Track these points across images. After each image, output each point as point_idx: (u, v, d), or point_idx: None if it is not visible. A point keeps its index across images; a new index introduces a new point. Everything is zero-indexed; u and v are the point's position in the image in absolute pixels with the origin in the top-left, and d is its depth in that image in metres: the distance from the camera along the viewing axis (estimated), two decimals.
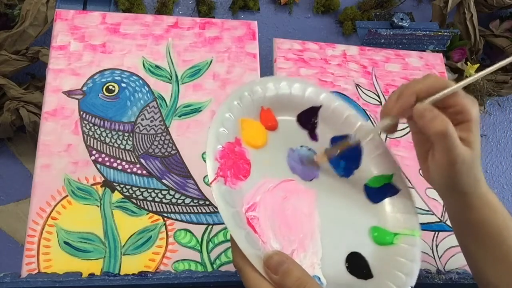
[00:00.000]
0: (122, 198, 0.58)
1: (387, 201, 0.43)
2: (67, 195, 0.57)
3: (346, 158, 0.44)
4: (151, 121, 0.63)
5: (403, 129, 0.72)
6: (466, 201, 0.38)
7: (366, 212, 0.42)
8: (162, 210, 0.58)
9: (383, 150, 0.44)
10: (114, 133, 0.61)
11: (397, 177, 0.43)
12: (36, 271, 0.53)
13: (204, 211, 0.59)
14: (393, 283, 0.37)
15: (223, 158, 0.35)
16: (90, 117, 0.61)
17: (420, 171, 0.42)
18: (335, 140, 0.44)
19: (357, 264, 0.38)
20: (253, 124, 0.40)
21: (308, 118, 0.44)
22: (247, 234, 0.32)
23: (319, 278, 0.36)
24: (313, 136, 0.44)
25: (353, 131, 0.44)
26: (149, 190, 0.59)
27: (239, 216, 0.33)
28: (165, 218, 0.58)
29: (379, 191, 0.43)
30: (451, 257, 0.64)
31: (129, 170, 0.59)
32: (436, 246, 0.64)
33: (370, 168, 0.44)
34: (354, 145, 0.41)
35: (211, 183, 0.33)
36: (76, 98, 0.62)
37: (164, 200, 0.59)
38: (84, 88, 0.63)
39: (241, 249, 0.31)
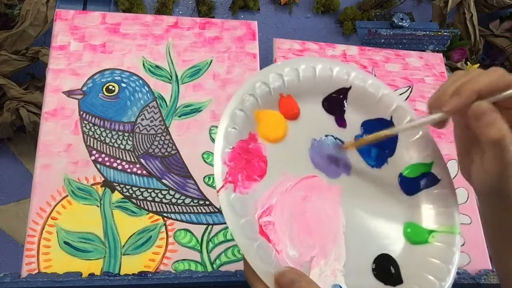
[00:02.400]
0: (122, 198, 0.58)
1: (424, 193, 0.38)
2: (67, 195, 0.57)
3: (379, 145, 0.39)
4: (151, 121, 0.63)
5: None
6: (507, 203, 0.34)
7: (400, 206, 0.38)
8: (162, 210, 0.58)
9: (423, 133, 0.39)
10: (114, 133, 0.61)
11: (437, 165, 0.38)
12: (36, 271, 0.53)
13: (204, 211, 0.59)
14: None
15: (233, 161, 0.32)
16: (90, 117, 0.61)
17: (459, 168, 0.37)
18: (367, 124, 0.39)
19: (386, 268, 0.35)
20: (271, 114, 0.36)
21: (336, 102, 0.39)
22: (258, 247, 0.30)
23: (341, 287, 0.33)
24: (341, 123, 0.39)
25: (388, 113, 0.39)
26: (149, 190, 0.59)
27: (250, 225, 0.31)
28: (165, 218, 0.58)
29: (415, 181, 0.38)
30: None
31: (129, 170, 0.59)
32: None
33: (406, 155, 0.39)
34: (392, 136, 0.36)
35: (218, 191, 0.30)
36: (76, 98, 0.62)
37: (164, 200, 0.59)
38: (84, 88, 0.63)
39: (251, 265, 0.29)
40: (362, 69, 0.40)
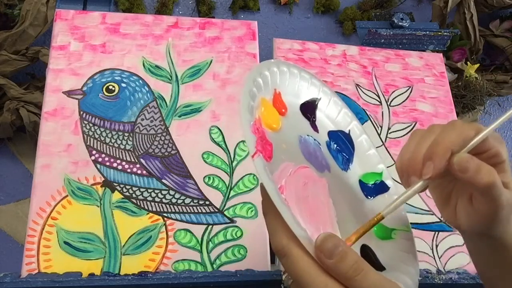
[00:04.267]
0: (122, 198, 0.58)
1: (380, 198, 0.44)
2: (67, 195, 0.57)
3: (342, 153, 0.45)
4: (151, 121, 0.63)
5: (404, 129, 0.72)
6: (499, 243, 0.36)
7: (365, 206, 0.43)
8: (162, 210, 0.58)
9: (373, 151, 0.45)
10: (114, 133, 0.61)
11: (385, 175, 0.44)
12: (36, 271, 0.53)
13: (204, 211, 0.59)
14: (405, 274, 0.36)
15: (256, 134, 0.33)
16: (90, 117, 0.61)
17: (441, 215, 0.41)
18: (331, 134, 0.45)
19: (369, 257, 0.38)
20: (269, 105, 0.38)
21: (309, 109, 0.44)
22: (292, 213, 0.29)
23: None
24: (314, 128, 0.44)
25: (347, 128, 0.45)
26: (149, 190, 0.59)
27: (280, 194, 0.31)
28: (165, 218, 0.58)
29: (372, 187, 0.44)
30: (451, 257, 0.64)
31: (129, 170, 0.59)
32: (436, 246, 0.64)
33: (362, 165, 0.45)
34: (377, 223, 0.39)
35: (253, 156, 0.30)
36: (76, 98, 0.62)
37: (164, 200, 0.59)
38: (84, 88, 0.63)
39: (291, 227, 0.28)
40: (330, 88, 0.45)
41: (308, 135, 0.42)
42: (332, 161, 0.43)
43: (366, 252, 0.38)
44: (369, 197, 0.44)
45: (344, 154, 0.45)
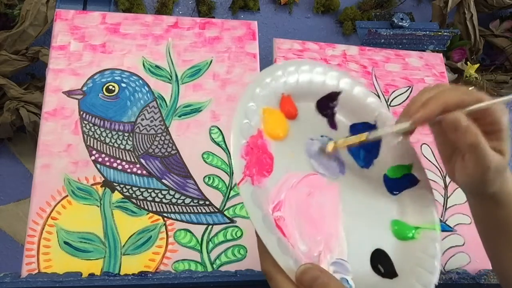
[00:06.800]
0: (122, 198, 0.58)
1: (406, 193, 0.41)
2: (67, 195, 0.57)
3: (365, 148, 0.42)
4: (151, 121, 0.63)
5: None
6: (493, 200, 0.38)
7: (387, 204, 0.40)
8: (162, 210, 0.58)
9: (403, 139, 0.42)
10: (114, 133, 0.61)
11: (416, 167, 0.41)
12: (36, 271, 0.53)
13: (204, 211, 0.59)
14: (418, 281, 0.35)
15: (248, 155, 0.32)
16: (90, 117, 0.61)
17: (444, 169, 0.42)
18: (354, 127, 0.42)
19: (381, 263, 0.37)
20: (274, 113, 0.37)
21: (328, 105, 0.41)
22: (278, 240, 0.30)
23: (347, 280, 0.34)
24: (333, 124, 0.41)
25: (372, 118, 0.42)
26: (149, 190, 0.59)
27: (268, 219, 0.31)
28: (165, 218, 0.58)
29: (398, 181, 0.41)
30: (451, 257, 0.64)
31: (129, 170, 0.59)
32: None
33: (389, 157, 0.41)
34: (371, 141, 0.39)
35: (238, 184, 0.31)
36: (76, 98, 0.62)
37: (164, 200, 0.59)
38: (84, 88, 0.63)
39: (275, 257, 0.29)
40: (352, 77, 0.42)
41: (322, 136, 0.40)
42: (350, 159, 0.41)
43: (378, 258, 0.37)
44: (395, 192, 0.41)
45: (367, 150, 0.42)
